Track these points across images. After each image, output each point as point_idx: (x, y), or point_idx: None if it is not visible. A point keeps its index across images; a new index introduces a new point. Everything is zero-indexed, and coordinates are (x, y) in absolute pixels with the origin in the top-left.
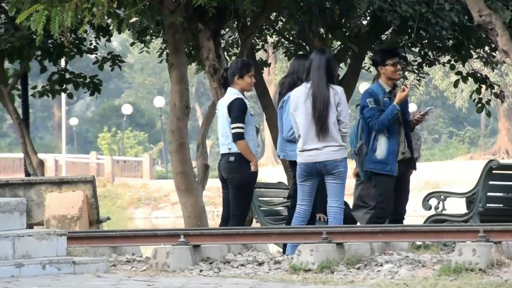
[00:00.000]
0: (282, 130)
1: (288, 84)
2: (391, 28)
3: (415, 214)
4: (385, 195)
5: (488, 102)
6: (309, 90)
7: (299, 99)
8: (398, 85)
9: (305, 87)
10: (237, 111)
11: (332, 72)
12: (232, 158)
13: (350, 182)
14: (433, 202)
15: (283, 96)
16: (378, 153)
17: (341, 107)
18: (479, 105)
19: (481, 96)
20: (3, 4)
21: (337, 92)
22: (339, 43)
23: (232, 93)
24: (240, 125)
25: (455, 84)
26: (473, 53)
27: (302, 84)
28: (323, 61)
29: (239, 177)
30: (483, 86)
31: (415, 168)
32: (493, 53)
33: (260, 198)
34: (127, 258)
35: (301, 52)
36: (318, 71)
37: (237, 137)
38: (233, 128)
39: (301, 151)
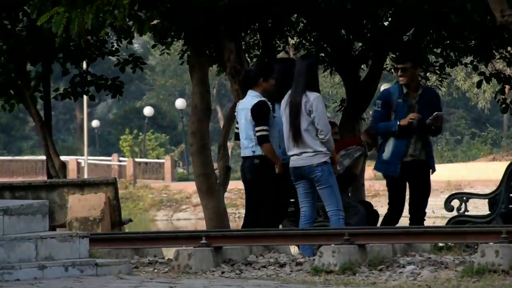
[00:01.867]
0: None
1: (277, 91)
2: (413, 28)
3: (435, 215)
4: (391, 196)
5: None
6: (288, 97)
7: (283, 105)
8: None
9: (288, 94)
10: (261, 113)
11: (313, 78)
12: (257, 161)
13: (372, 184)
14: (455, 203)
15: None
16: (384, 154)
17: (314, 114)
18: (503, 105)
19: (505, 96)
20: (25, 7)
21: (309, 99)
22: (360, 44)
23: (254, 96)
24: (264, 127)
25: (478, 85)
26: (496, 53)
27: (289, 91)
28: (303, 68)
29: (264, 179)
30: (507, 86)
31: (433, 169)
32: None
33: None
34: (149, 260)
35: (283, 57)
36: (297, 78)
37: (262, 140)
38: (257, 131)
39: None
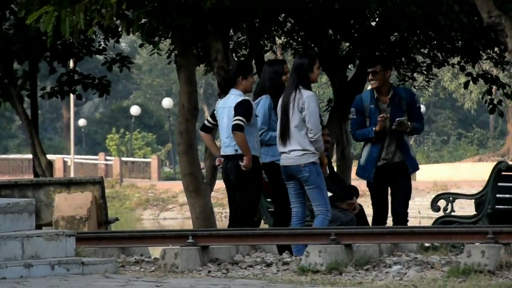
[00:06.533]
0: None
1: (257, 92)
2: (400, 29)
3: (421, 216)
4: (372, 200)
5: (499, 102)
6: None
7: (280, 102)
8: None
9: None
10: (245, 109)
11: (305, 76)
12: (241, 162)
13: (358, 184)
14: (441, 203)
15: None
16: (361, 159)
17: (305, 112)
18: (491, 106)
19: (492, 97)
20: (12, 5)
21: (302, 96)
22: (347, 44)
23: (237, 94)
24: (243, 119)
25: (465, 85)
26: (483, 54)
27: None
28: (296, 65)
29: (250, 180)
30: (494, 87)
31: (409, 171)
32: (504, 54)
33: (268, 199)
34: (135, 259)
35: (271, 59)
36: (291, 75)
37: (237, 128)
38: (235, 120)
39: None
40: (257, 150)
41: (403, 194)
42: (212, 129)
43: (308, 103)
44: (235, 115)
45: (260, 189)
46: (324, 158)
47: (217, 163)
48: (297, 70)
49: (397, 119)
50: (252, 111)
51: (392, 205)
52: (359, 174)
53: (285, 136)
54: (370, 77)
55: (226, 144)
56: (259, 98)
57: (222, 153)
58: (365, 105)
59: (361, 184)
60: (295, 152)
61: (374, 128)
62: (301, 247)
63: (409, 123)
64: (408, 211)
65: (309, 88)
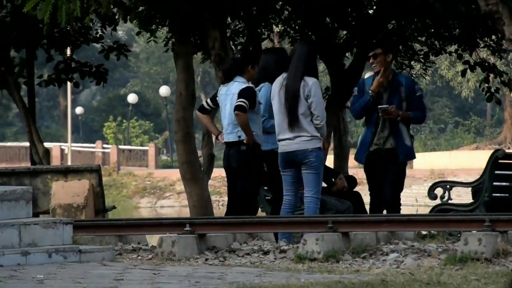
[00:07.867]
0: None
1: (258, 79)
2: (397, 17)
3: (418, 204)
4: (368, 184)
5: (497, 90)
6: (284, 80)
7: (275, 89)
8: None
9: (282, 77)
10: (250, 95)
11: (312, 64)
12: (243, 147)
13: (356, 172)
14: (438, 191)
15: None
16: (358, 143)
17: (311, 99)
18: (488, 94)
19: (489, 85)
20: None
21: (307, 84)
22: (345, 32)
23: (241, 82)
24: (247, 102)
25: (463, 74)
26: (480, 42)
27: (281, 74)
28: (304, 53)
29: (252, 168)
30: (491, 75)
31: (403, 158)
32: (501, 42)
33: (265, 187)
34: (132, 246)
35: (269, 47)
36: (296, 62)
37: (240, 109)
38: (238, 101)
39: (278, 140)
40: (261, 137)
41: (392, 181)
42: (209, 112)
43: (314, 90)
44: (239, 98)
45: (261, 177)
46: (325, 143)
47: (219, 139)
48: (309, 56)
49: (378, 106)
50: (256, 99)
51: (383, 192)
52: (355, 157)
53: (293, 123)
54: (371, 60)
55: (229, 131)
56: (260, 85)
57: (224, 140)
58: (366, 89)
59: (358, 173)
60: (301, 137)
61: (370, 89)
62: (288, 235)
63: (400, 112)
64: (406, 199)
65: (315, 76)
